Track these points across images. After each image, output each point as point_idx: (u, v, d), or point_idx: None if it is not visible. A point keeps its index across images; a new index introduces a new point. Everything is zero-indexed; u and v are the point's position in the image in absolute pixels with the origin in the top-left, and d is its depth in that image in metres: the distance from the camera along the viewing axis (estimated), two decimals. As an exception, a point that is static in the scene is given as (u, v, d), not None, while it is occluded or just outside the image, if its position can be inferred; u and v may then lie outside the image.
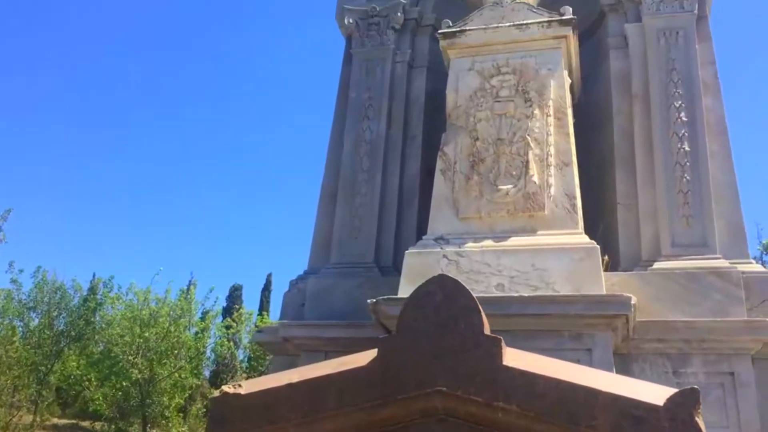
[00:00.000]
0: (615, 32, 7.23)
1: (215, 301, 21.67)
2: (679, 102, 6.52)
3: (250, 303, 30.89)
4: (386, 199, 7.00)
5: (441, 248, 5.82)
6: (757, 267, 6.13)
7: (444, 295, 3.50)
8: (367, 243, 6.79)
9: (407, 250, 5.95)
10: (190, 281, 21.98)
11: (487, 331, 3.66)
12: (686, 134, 6.41)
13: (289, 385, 2.90)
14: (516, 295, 5.38)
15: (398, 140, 7.28)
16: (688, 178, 6.26)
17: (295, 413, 2.84)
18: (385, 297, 5.52)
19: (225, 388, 2.47)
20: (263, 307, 29.69)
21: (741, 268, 5.87)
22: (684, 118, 6.46)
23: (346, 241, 6.85)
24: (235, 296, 30.41)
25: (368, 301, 5.61)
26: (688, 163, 6.30)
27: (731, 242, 6.12)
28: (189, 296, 20.31)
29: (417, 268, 5.73)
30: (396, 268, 6.56)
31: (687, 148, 6.35)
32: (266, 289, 31.64)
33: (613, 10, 7.35)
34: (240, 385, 2.59)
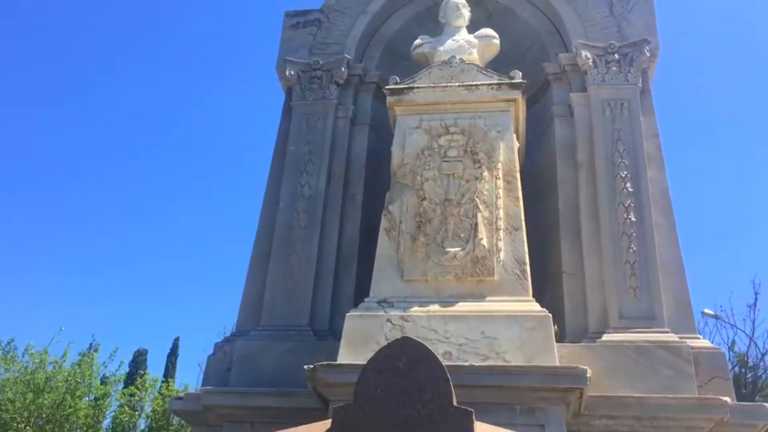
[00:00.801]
0: (560, 100, 7.21)
1: (120, 365, 20.30)
2: (625, 172, 6.48)
3: (155, 368, 29.26)
4: (324, 258, 6.59)
5: (385, 312, 5.43)
6: (705, 342, 6.01)
7: (408, 359, 3.09)
8: (302, 304, 6.32)
9: (348, 312, 5.53)
10: (91, 344, 20.56)
11: (455, 401, 3.25)
12: (632, 204, 6.34)
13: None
14: (465, 364, 5.02)
15: (338, 197, 6.93)
16: (634, 248, 6.15)
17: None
18: (325, 363, 5.05)
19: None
20: (169, 372, 28.18)
21: (690, 342, 5.73)
22: (630, 189, 6.40)
23: (279, 302, 6.35)
24: (139, 361, 28.78)
25: (305, 367, 5.13)
26: (634, 234, 6.21)
27: (678, 316, 6.00)
28: (90, 359, 18.93)
29: (359, 332, 5.31)
30: (332, 333, 6.12)
31: (633, 219, 6.26)
32: (173, 353, 30.15)
33: (557, 79, 7.35)
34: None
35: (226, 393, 5.81)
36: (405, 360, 3.19)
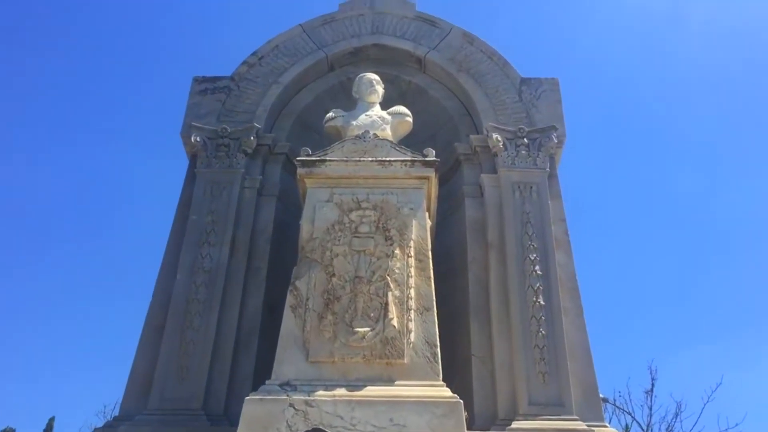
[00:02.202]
0: (470, 180, 7.23)
1: (-17, 449, 18.45)
2: (534, 255, 6.48)
3: (25, 452, 26.85)
4: (222, 336, 6.15)
5: (287, 395, 5.04)
6: (612, 431, 5.92)
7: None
8: (196, 386, 5.83)
9: (247, 395, 5.10)
10: (-48, 423, 18.65)
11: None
12: (541, 288, 6.31)
13: None
14: (372, 454, 4.68)
15: (241, 271, 6.56)
16: (543, 333, 6.09)
17: None
18: (219, 453, 4.60)
19: None
20: (41, 457, 25.89)
21: (597, 431, 5.63)
22: (539, 272, 6.39)
23: (171, 383, 5.83)
24: (7, 443, 26.33)
25: (197, 457, 4.65)
26: (543, 318, 6.16)
27: (586, 403, 5.92)
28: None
29: (258, 418, 4.89)
30: (228, 417, 5.67)
31: (542, 302, 6.22)
32: (47, 434, 27.80)
33: (468, 160, 7.39)
34: None
35: (105, 486, 5.21)
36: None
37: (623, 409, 17.15)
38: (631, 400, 17.50)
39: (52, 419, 28.83)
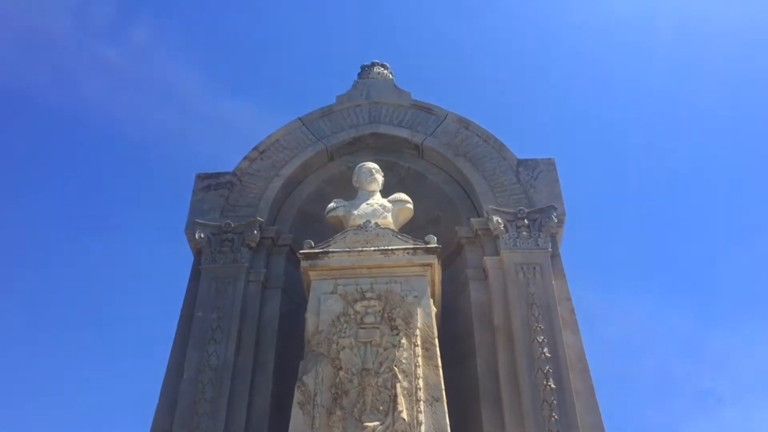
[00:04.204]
0: (473, 264, 7.26)
1: None
2: (542, 337, 6.43)
3: None
4: (230, 437, 6.05)
5: (298, 499, 4.94)
6: None
7: None
8: (206, 490, 5.71)
9: (257, 500, 5.01)
10: None
11: None
12: (551, 370, 6.23)
13: None
14: None
15: (248, 367, 6.51)
16: (556, 417, 5.97)
17: None
18: None
19: None
20: None
21: None
22: (547, 354, 6.32)
23: (180, 490, 5.72)
24: None
25: None
26: (555, 402, 6.05)
27: (604, 489, 5.76)
28: None
29: None
30: None
31: (553, 385, 6.14)
32: None
33: (470, 243, 7.44)
34: None
35: None
36: None
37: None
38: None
39: None
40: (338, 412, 5.42)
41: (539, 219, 7.22)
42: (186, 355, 6.52)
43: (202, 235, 7.29)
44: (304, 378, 5.67)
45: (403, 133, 8.48)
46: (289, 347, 6.82)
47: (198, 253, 7.38)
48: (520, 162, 7.96)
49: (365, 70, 9.40)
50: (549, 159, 7.96)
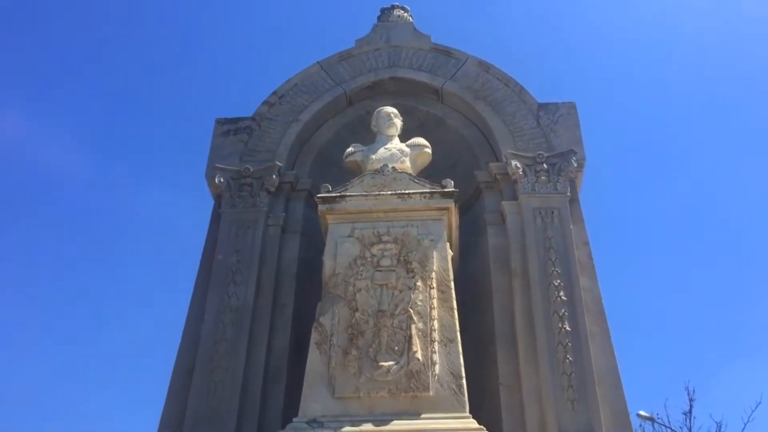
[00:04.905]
0: (492, 208, 7.25)
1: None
2: (558, 281, 6.45)
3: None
4: (251, 375, 6.21)
5: (314, 433, 5.09)
6: (647, 458, 5.83)
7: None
8: (226, 425, 5.87)
9: (274, 434, 5.17)
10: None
11: None
12: (566, 314, 6.27)
13: None
14: (400, 490, 4.69)
15: (267, 309, 6.64)
16: (570, 359, 6.04)
17: None
18: (248, 493, 4.65)
19: None
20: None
21: (630, 457, 5.55)
22: (564, 298, 6.35)
23: (201, 424, 5.89)
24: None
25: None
26: (570, 344, 6.11)
27: (617, 428, 5.83)
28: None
29: (286, 457, 4.95)
30: (259, 457, 5.70)
31: (568, 328, 6.18)
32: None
33: (489, 187, 7.42)
34: None
35: None
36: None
37: (664, 425, 16.74)
38: (669, 422, 17.10)
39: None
40: (354, 352, 5.53)
41: (558, 163, 7.16)
42: (207, 297, 6.66)
43: (222, 180, 7.35)
44: (321, 319, 5.77)
45: (423, 77, 8.39)
46: (308, 290, 6.92)
47: (218, 198, 7.47)
48: (541, 106, 7.86)
49: (385, 13, 9.27)
50: (570, 102, 7.85)
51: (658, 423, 17.00)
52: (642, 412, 17.32)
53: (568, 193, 7.01)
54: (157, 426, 6.20)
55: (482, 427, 5.16)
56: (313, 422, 5.23)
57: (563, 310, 6.28)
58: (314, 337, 5.69)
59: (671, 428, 16.77)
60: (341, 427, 5.14)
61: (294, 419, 5.30)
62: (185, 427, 5.94)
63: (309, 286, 6.91)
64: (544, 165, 7.15)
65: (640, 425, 17.03)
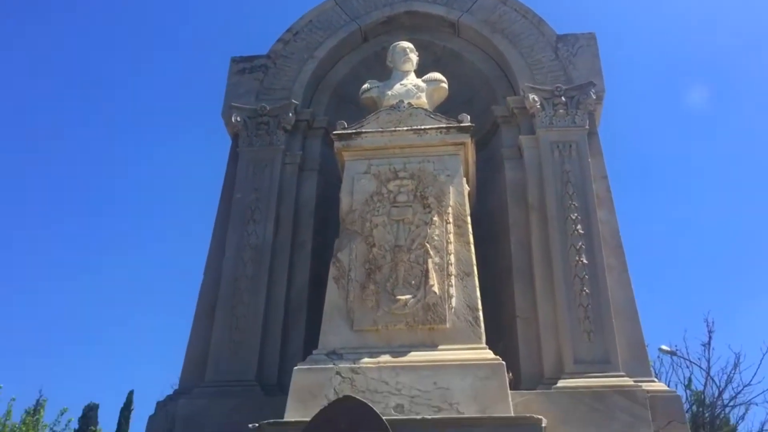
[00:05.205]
0: (509, 143, 7.20)
1: (66, 424, 19.42)
2: (575, 214, 6.44)
3: (107, 424, 28.12)
4: (272, 310, 6.36)
5: (334, 364, 5.22)
6: (661, 386, 5.91)
7: (349, 420, 2.91)
8: (249, 359, 6.06)
9: (295, 366, 5.31)
10: (38, 400, 19.66)
11: (401, 463, 3.05)
12: (583, 247, 6.29)
13: None
14: (418, 417, 4.83)
15: (286, 246, 6.74)
16: (587, 291, 6.08)
17: None
18: (270, 421, 4.82)
19: None
20: (122, 428, 27.13)
21: (645, 386, 5.63)
22: (581, 231, 6.35)
23: (224, 357, 6.08)
24: (89, 416, 27.62)
25: (250, 426, 4.88)
26: (587, 277, 6.14)
27: (633, 359, 5.91)
28: (36, 418, 18.09)
29: (307, 386, 5.09)
30: (281, 387, 5.87)
31: (585, 261, 6.20)
32: (126, 408, 29.01)
33: (506, 122, 7.35)
34: None
35: (168, 456, 5.51)
36: (346, 420, 2.99)
37: (684, 358, 16.90)
38: (688, 354, 17.26)
39: (131, 393, 30.12)
40: (372, 286, 5.61)
41: (577, 96, 7.06)
42: (227, 235, 6.76)
43: (238, 119, 7.36)
44: (339, 254, 5.85)
45: (439, 11, 8.23)
46: (326, 228, 7.00)
47: (235, 137, 7.49)
48: (559, 38, 7.69)
49: (399, -55, 9.04)
50: (589, 33, 7.67)
51: (679, 357, 17.15)
52: (664, 347, 17.49)
53: (587, 126, 6.93)
54: (182, 361, 6.40)
55: (498, 357, 5.25)
56: (332, 354, 5.35)
57: (580, 243, 6.29)
58: (332, 272, 5.77)
59: (690, 360, 16.90)
60: (360, 359, 5.26)
61: (314, 351, 5.43)
62: (209, 361, 6.12)
63: (328, 223, 6.99)
64: (563, 98, 7.05)
65: (658, 356, 17.19)
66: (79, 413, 27.35)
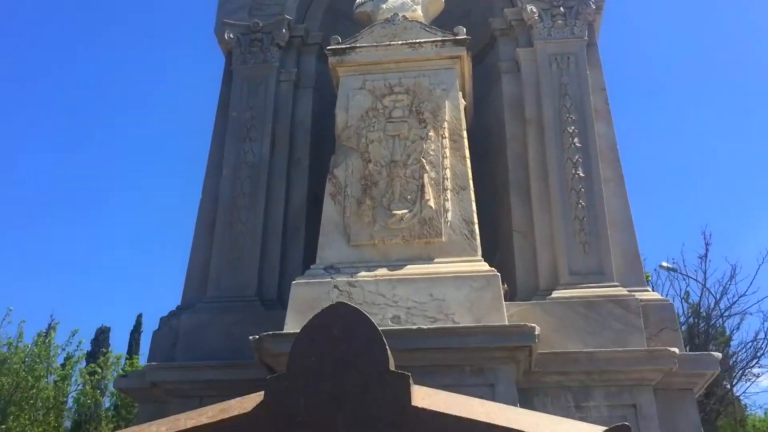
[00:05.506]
0: (506, 56, 7.09)
1: (78, 345, 19.93)
2: (572, 127, 6.40)
3: (118, 346, 28.89)
4: (270, 227, 6.42)
5: (331, 278, 5.31)
6: (654, 295, 6.02)
7: (342, 327, 2.97)
8: (249, 275, 6.17)
9: (294, 281, 5.40)
10: (49, 323, 20.13)
11: (392, 366, 3.14)
12: (580, 160, 6.28)
13: (153, 442, 2.32)
14: (414, 327, 4.94)
15: (283, 164, 6.74)
16: (583, 204, 6.10)
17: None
18: (270, 333, 4.94)
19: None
20: (133, 350, 27.83)
21: (638, 296, 5.73)
22: (578, 144, 6.33)
23: (224, 273, 6.19)
24: (101, 339, 28.37)
25: (250, 338, 5.01)
26: (583, 189, 6.16)
27: (627, 270, 5.99)
28: (48, 340, 18.55)
29: (305, 300, 5.19)
30: (281, 302, 5.99)
31: (581, 174, 6.21)
32: (136, 330, 29.75)
33: (504, 35, 7.22)
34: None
35: (172, 368, 5.67)
36: (339, 327, 3.07)
37: (683, 274, 17.14)
38: (685, 266, 17.50)
39: (140, 316, 30.80)
40: (368, 202, 5.64)
41: (576, 6, 6.89)
42: (224, 153, 6.75)
43: (231, 36, 7.24)
44: (335, 171, 5.86)
45: None
46: (323, 145, 6.98)
47: (229, 55, 7.38)
48: (559, -55, 7.44)
49: None
50: (590, -60, 7.41)
51: (679, 273, 17.38)
52: (664, 263, 17.71)
53: (585, 38, 6.80)
54: (183, 278, 6.51)
55: (493, 269, 5.32)
56: (330, 269, 5.43)
57: (577, 157, 6.28)
58: (329, 188, 5.80)
59: (687, 275, 17.14)
60: (357, 273, 5.34)
61: (312, 266, 5.51)
62: (210, 278, 6.23)
63: (324, 140, 6.95)
64: (561, 9, 6.89)
65: (655, 269, 17.42)
66: (91, 336, 28.07)
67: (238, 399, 3.39)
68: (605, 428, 2.32)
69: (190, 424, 2.53)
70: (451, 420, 2.73)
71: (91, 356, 24.55)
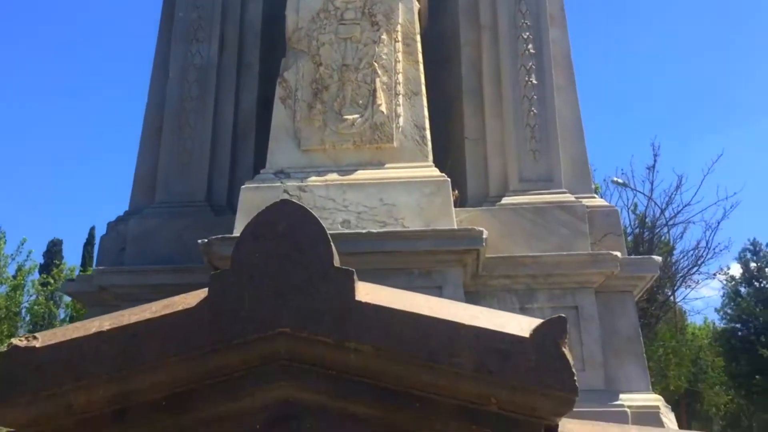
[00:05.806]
0: (462, -40, 6.89)
1: (28, 255, 19.70)
2: (527, 33, 6.33)
3: (72, 259, 28.65)
4: (219, 131, 6.30)
5: (281, 182, 5.28)
6: (600, 201, 6.14)
7: (288, 224, 2.95)
8: (198, 180, 6.09)
9: (243, 185, 5.35)
10: (-3, 235, 19.78)
11: (337, 263, 3.15)
12: (533, 67, 6.24)
13: (99, 334, 2.31)
14: (363, 231, 4.98)
15: (232, 67, 6.55)
16: (535, 111, 6.11)
17: (105, 367, 2.28)
18: (219, 236, 4.92)
19: (15, 341, 1.91)
20: (86, 262, 27.68)
21: (585, 202, 5.83)
22: (531, 50, 6.28)
23: (173, 178, 6.09)
24: (54, 251, 28.15)
25: (199, 241, 4.98)
26: (535, 97, 6.15)
27: (576, 177, 6.08)
28: (-4, 251, 18.31)
29: (255, 204, 5.11)
30: (231, 208, 5.94)
31: (534, 81, 6.19)
32: (89, 243, 29.53)
33: (460, -62, 6.99)
34: (35, 337, 2.04)
35: (122, 272, 5.64)
36: (284, 224, 3.03)
37: (634, 189, 17.55)
38: (634, 177, 17.91)
39: (92, 229, 30.46)
40: (319, 106, 5.56)
41: None
42: (170, 55, 6.52)
43: (175, -71, 6.87)
44: (285, 74, 5.73)
45: None
46: (274, 50, 6.77)
47: (173, -50, 7.02)
48: None
49: None
50: None
51: (630, 188, 17.78)
52: (616, 179, 18.07)
53: (542, -59, 6.63)
54: (131, 184, 6.40)
55: (443, 174, 5.34)
56: (280, 173, 5.39)
57: (531, 63, 6.24)
58: (279, 92, 5.68)
59: (635, 189, 17.54)
60: (307, 178, 5.31)
61: (261, 171, 5.46)
62: (158, 183, 6.14)
63: (276, 45, 6.75)
64: None
65: (604, 180, 17.81)
66: (43, 249, 27.73)
67: (182, 295, 3.39)
68: (542, 320, 2.39)
69: (134, 319, 2.52)
70: (395, 313, 2.76)
71: (44, 268, 24.35)
